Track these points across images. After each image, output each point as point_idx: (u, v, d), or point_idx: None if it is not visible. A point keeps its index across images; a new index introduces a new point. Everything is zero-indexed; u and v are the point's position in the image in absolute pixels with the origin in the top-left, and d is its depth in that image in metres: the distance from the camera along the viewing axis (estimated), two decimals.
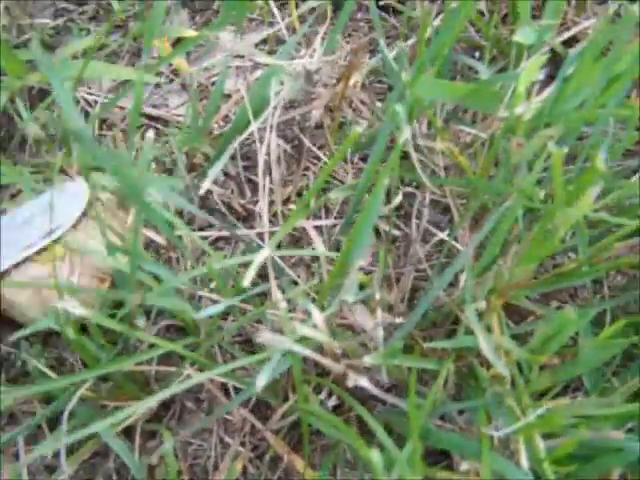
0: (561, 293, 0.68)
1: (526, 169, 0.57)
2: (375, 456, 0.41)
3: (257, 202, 0.69)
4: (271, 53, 0.73)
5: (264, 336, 0.46)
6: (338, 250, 0.67)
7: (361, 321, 0.51)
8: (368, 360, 0.51)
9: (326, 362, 0.49)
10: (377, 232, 0.68)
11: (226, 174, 0.69)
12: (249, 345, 0.65)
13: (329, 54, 0.61)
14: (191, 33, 0.65)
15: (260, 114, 0.62)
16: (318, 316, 0.50)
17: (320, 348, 0.51)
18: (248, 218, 0.68)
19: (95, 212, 0.58)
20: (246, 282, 0.49)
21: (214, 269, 0.57)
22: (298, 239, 0.67)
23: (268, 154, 0.64)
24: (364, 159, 0.70)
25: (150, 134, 0.55)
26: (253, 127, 0.59)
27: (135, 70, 0.64)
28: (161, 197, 0.57)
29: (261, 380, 0.44)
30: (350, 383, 0.48)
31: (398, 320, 0.58)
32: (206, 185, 0.55)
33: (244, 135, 0.60)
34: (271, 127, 0.60)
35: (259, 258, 0.51)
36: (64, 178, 0.62)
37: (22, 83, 0.66)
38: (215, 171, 0.57)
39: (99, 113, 0.68)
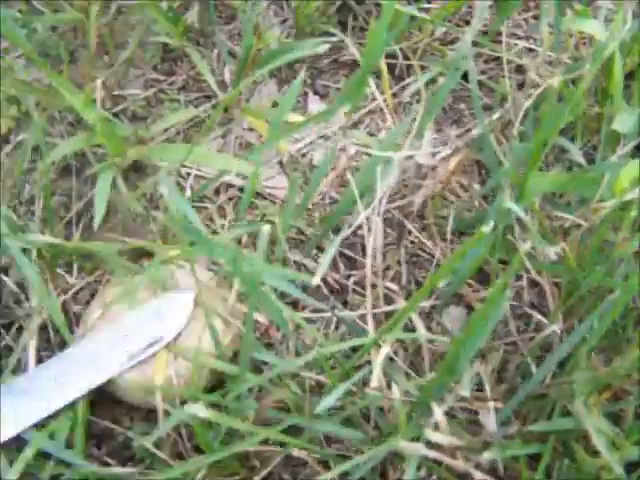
0: None
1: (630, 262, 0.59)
2: None
3: (350, 276, 0.70)
4: (356, 124, 0.75)
5: (402, 445, 0.48)
6: (430, 329, 0.68)
7: (483, 418, 0.53)
8: (487, 456, 0.53)
9: (451, 462, 0.50)
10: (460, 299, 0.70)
11: (318, 247, 0.71)
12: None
13: (433, 141, 0.62)
14: (298, 118, 0.66)
15: (362, 198, 0.63)
16: (440, 417, 0.51)
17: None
18: (341, 292, 0.70)
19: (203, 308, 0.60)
20: (374, 382, 0.51)
21: (324, 354, 0.58)
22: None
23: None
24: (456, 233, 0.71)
25: (266, 228, 0.56)
26: (362, 217, 0.60)
27: (242, 161, 0.65)
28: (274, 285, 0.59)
29: None
30: None
31: (497, 405, 0.59)
32: (318, 276, 0.56)
33: (354, 227, 0.61)
34: (378, 214, 0.61)
35: (381, 355, 0.53)
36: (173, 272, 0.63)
37: (122, 160, 0.68)
38: (327, 260, 0.58)
39: (194, 189, 0.70)
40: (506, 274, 0.50)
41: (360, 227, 0.71)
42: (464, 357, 0.56)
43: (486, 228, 0.53)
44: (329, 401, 0.57)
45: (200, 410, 0.52)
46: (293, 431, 0.58)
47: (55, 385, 0.61)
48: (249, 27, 0.68)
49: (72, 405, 0.61)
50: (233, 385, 0.60)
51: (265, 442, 0.63)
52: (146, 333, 0.63)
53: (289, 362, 0.61)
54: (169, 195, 0.55)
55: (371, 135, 0.75)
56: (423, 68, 0.77)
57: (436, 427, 0.53)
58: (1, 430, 0.58)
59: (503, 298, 0.51)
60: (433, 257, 0.71)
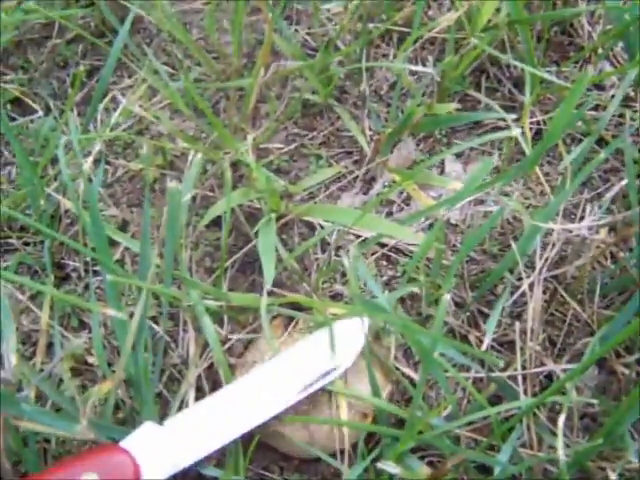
0: None
1: None
2: None
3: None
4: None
5: None
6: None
7: None
8: None
9: None
10: (601, 367, 0.72)
11: (457, 304, 0.73)
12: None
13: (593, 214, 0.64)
14: (457, 185, 0.68)
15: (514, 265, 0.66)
16: None
17: None
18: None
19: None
20: (560, 451, 0.53)
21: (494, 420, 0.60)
22: None
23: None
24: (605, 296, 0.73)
25: (446, 298, 0.58)
26: (525, 285, 0.62)
27: (409, 229, 0.67)
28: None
29: None
30: None
31: None
32: (485, 345, 0.59)
33: (518, 293, 0.63)
34: (538, 281, 0.63)
35: (560, 422, 0.55)
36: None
37: (277, 215, 0.70)
38: (492, 327, 0.61)
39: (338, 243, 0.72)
40: None
41: (496, 286, 0.74)
42: (625, 425, 0.59)
43: None
44: (504, 457, 0.59)
45: (392, 467, 0.55)
46: None
47: (222, 418, 0.61)
48: (417, 94, 0.71)
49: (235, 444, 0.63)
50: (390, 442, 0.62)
51: None
52: (319, 363, 0.63)
53: (451, 423, 0.62)
54: (353, 265, 0.57)
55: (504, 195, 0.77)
56: None
57: None
58: (164, 466, 0.59)
59: None
60: (566, 317, 0.73)
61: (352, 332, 0.64)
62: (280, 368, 0.63)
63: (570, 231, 0.64)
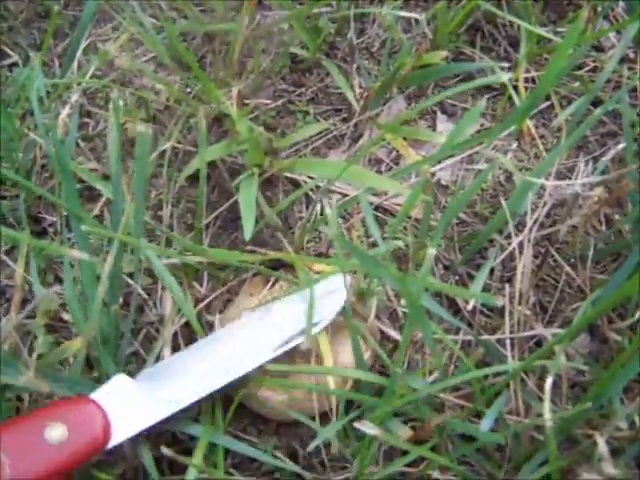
0: None
1: None
2: None
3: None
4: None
5: (583, 476, 0.48)
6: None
7: None
8: None
9: None
10: (593, 334, 0.70)
11: (446, 267, 0.71)
12: None
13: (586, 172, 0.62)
14: (441, 139, 0.65)
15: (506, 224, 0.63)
16: (604, 448, 0.51)
17: None
18: (473, 314, 0.69)
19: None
20: (546, 414, 0.50)
21: (476, 383, 0.58)
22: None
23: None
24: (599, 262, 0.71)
25: (431, 252, 0.56)
26: (514, 243, 0.60)
27: (396, 182, 0.64)
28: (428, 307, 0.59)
29: None
30: None
31: None
32: (471, 303, 0.56)
33: (505, 253, 0.61)
34: (529, 241, 0.61)
35: (547, 385, 0.53)
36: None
37: (261, 170, 0.68)
38: (479, 287, 0.58)
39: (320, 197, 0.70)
40: None
41: (486, 249, 0.71)
42: (614, 390, 0.57)
43: None
44: (488, 423, 0.57)
45: (370, 427, 0.52)
46: None
47: (196, 373, 0.59)
48: (406, 47, 0.68)
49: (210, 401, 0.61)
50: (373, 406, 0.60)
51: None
52: (298, 319, 0.60)
53: (434, 385, 0.60)
54: (332, 214, 0.55)
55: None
56: (556, 93, 0.77)
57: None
58: (135, 420, 0.56)
59: None
60: (558, 282, 0.71)
61: (334, 288, 0.61)
62: (258, 323, 0.61)
63: (563, 190, 0.62)
